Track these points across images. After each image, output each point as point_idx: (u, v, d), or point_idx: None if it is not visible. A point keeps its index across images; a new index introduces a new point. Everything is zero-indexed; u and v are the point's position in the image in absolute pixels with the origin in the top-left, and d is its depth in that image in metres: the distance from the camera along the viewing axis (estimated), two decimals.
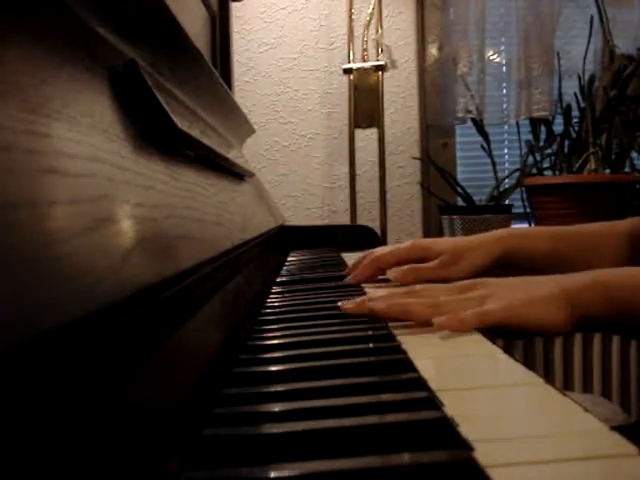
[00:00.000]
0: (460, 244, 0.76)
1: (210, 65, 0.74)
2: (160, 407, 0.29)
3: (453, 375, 0.40)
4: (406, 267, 0.73)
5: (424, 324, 0.52)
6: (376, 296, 0.58)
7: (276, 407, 0.32)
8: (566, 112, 1.93)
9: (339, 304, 0.57)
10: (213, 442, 0.28)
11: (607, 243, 0.79)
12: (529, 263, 0.77)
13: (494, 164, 1.97)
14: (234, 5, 1.36)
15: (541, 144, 1.98)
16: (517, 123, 2.00)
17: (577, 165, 1.86)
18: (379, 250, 0.80)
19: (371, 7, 1.91)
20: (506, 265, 0.77)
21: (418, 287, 0.61)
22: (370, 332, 0.50)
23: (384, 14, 1.96)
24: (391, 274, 0.74)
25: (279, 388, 0.36)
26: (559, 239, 0.79)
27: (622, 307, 0.57)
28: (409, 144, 2.03)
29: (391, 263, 0.76)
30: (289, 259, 1.12)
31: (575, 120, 1.93)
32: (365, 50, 1.92)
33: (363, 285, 0.74)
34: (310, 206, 2.02)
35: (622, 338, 1.83)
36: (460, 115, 1.99)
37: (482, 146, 1.98)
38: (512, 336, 0.58)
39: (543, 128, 1.98)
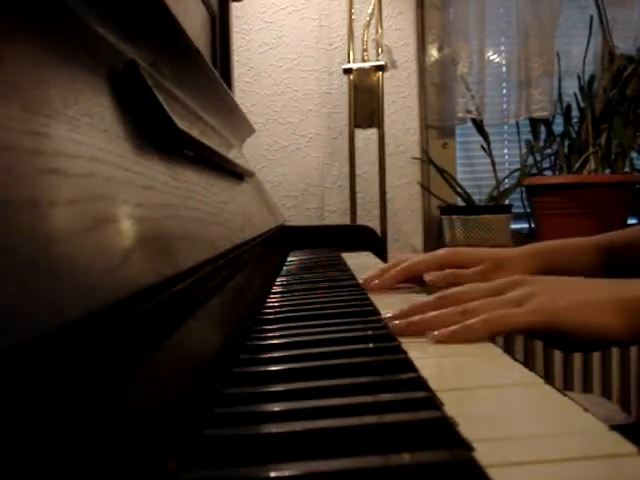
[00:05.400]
0: (501, 254, 0.74)
1: (210, 65, 0.74)
2: (160, 407, 0.29)
3: (453, 375, 0.40)
4: (447, 271, 0.71)
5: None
6: (402, 311, 0.53)
7: (276, 407, 0.32)
8: (566, 112, 1.93)
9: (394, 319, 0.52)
10: (213, 442, 0.28)
11: None
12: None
13: (494, 164, 1.97)
14: (234, 5, 1.36)
15: (541, 144, 1.98)
16: (517, 123, 2.00)
17: (577, 165, 1.86)
18: (409, 257, 0.77)
19: (371, 7, 1.91)
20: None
21: (450, 291, 0.56)
22: (370, 332, 0.50)
23: (384, 14, 1.95)
24: (428, 277, 0.71)
25: (279, 388, 0.36)
26: (605, 250, 0.74)
27: None
28: (409, 144, 2.03)
29: (422, 271, 0.73)
30: (289, 259, 1.12)
31: (575, 120, 1.93)
32: (365, 50, 1.92)
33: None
34: (310, 206, 2.02)
35: None
36: (460, 115, 1.99)
37: (482, 146, 1.98)
38: (554, 345, 0.54)
39: (543, 128, 1.98)
